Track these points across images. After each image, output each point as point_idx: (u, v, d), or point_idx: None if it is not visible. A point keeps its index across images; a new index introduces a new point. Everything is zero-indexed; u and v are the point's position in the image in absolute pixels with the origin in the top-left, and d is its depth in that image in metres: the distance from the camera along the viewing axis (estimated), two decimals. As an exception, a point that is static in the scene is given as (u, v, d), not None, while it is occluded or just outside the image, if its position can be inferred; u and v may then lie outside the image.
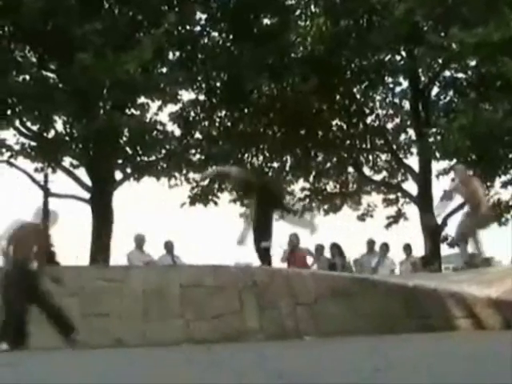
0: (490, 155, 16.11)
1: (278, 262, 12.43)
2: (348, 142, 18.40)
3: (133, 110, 15.09)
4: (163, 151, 15.73)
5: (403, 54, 17.41)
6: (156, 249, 12.42)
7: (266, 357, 3.35)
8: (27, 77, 13.95)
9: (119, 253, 17.62)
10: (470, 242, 10.36)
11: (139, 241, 11.96)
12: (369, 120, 18.66)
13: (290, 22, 16.23)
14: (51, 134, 15.20)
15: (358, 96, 18.12)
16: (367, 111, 18.56)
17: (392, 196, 19.36)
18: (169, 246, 12.15)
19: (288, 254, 12.22)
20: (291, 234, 12.26)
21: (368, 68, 16.85)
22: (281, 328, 8.19)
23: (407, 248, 13.38)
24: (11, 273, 7.91)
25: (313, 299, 8.28)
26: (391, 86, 18.41)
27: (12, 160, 15.39)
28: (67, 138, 15.13)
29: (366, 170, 19.00)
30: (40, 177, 16.19)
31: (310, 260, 12.72)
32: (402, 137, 19.00)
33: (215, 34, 16.54)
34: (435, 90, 18.04)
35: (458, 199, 11.45)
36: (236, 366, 4.29)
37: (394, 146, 18.76)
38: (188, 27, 15.72)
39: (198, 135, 17.08)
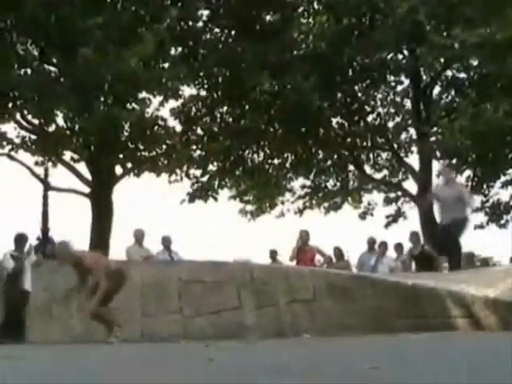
0: (491, 155, 16.10)
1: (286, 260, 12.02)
2: (349, 139, 18.40)
3: (134, 105, 15.06)
4: (164, 146, 15.71)
5: (405, 52, 17.40)
6: (155, 244, 12.35)
7: (263, 354, 3.36)
8: (29, 70, 13.95)
9: (119, 247, 17.63)
10: None
11: (138, 236, 11.84)
12: (370, 118, 18.66)
13: (292, 19, 16.23)
14: (52, 127, 15.20)
15: (360, 94, 18.11)
16: (368, 109, 18.55)
17: (392, 195, 19.38)
18: (166, 242, 11.98)
19: (296, 251, 11.50)
20: (301, 231, 11.77)
21: (370, 66, 16.83)
22: (279, 325, 8.20)
23: (398, 247, 13.39)
24: None
25: (311, 296, 8.28)
26: (393, 84, 18.39)
27: (12, 153, 15.41)
28: (68, 132, 15.13)
29: (367, 169, 19.03)
30: (40, 170, 16.17)
31: (319, 259, 12.22)
32: (403, 136, 19.00)
33: (217, 29, 16.55)
34: (437, 90, 18.04)
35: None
36: (233, 363, 4.30)
37: (395, 145, 18.75)
38: (190, 23, 15.73)
39: (199, 131, 17.09)
